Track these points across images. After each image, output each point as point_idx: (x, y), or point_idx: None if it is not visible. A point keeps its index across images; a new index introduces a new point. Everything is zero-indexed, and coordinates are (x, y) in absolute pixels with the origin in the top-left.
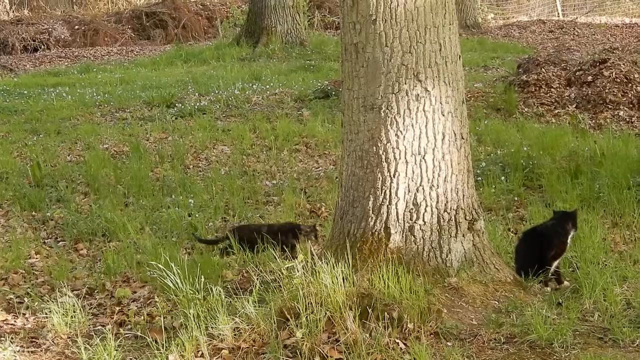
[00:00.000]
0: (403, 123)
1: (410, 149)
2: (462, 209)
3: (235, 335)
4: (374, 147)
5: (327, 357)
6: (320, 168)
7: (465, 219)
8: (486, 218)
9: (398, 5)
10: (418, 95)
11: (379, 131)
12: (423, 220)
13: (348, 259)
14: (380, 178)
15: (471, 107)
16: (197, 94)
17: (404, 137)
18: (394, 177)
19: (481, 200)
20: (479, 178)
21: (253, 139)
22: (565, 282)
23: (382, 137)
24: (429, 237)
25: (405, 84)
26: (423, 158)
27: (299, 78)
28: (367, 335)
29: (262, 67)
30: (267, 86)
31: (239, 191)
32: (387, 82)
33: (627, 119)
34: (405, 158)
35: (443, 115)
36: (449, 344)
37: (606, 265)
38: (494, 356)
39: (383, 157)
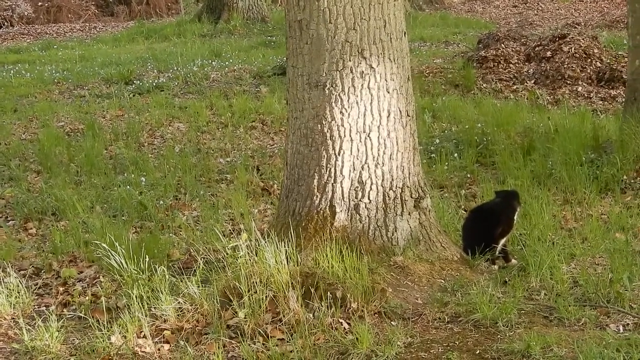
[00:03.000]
0: (348, 100)
1: (355, 126)
2: (407, 186)
3: (178, 315)
4: (319, 125)
5: (270, 337)
6: (275, 145)
7: (411, 197)
8: (438, 195)
9: None
10: (363, 72)
11: (324, 109)
12: (368, 198)
13: (293, 238)
14: (325, 156)
15: (429, 83)
16: (156, 70)
17: (349, 114)
18: (338, 155)
19: (433, 178)
20: (432, 155)
21: (209, 116)
22: (513, 260)
23: (326, 115)
24: (375, 216)
25: (350, 61)
26: (368, 136)
27: (259, 54)
28: (311, 315)
29: (223, 43)
30: (227, 63)
31: (192, 169)
32: (332, 59)
33: (586, 95)
34: (350, 136)
35: (388, 92)
36: (393, 323)
37: (554, 243)
38: (438, 335)
39: (328, 135)
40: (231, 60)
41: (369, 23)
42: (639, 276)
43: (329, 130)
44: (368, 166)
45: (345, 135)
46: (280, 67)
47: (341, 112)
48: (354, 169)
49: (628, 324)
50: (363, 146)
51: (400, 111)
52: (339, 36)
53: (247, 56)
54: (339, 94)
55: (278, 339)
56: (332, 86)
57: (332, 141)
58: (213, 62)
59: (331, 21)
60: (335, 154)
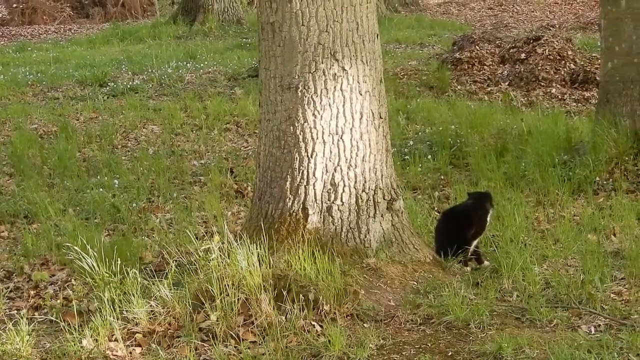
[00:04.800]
0: (320, 103)
1: (327, 128)
2: (380, 188)
3: (150, 318)
4: (291, 127)
5: (242, 339)
6: (250, 147)
7: (384, 198)
8: (411, 197)
9: None
10: (335, 74)
11: (296, 111)
12: (341, 200)
13: (265, 240)
14: (298, 158)
15: (404, 85)
16: (130, 72)
17: (322, 116)
18: (311, 157)
19: (407, 179)
20: (406, 157)
21: (184, 118)
22: (485, 262)
23: (299, 117)
24: (347, 218)
25: (322, 63)
26: (341, 138)
27: (234, 56)
28: (283, 317)
29: (198, 45)
30: (202, 65)
31: (166, 171)
32: (304, 62)
33: (559, 96)
34: (323, 138)
35: (361, 94)
36: (365, 325)
37: (527, 244)
38: (410, 337)
39: (300, 137)
40: (206, 62)
41: (341, 25)
42: (610, 277)
43: (301, 133)
44: (341, 168)
45: (317, 138)
46: (255, 69)
47: (314, 114)
48: (327, 171)
49: (599, 325)
50: (336, 148)
51: (373, 113)
52: (312, 38)
53: (222, 58)
54: (311, 96)
55: (250, 342)
56: (304, 88)
57: (304, 143)
58: (188, 64)
59: (304, 23)
60: (307, 156)
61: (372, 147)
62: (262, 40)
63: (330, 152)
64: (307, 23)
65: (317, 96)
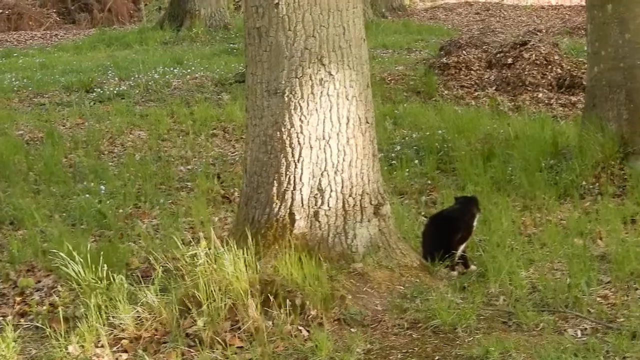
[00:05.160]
0: (307, 108)
1: (314, 133)
2: (367, 193)
3: (136, 324)
4: (278, 132)
5: (229, 345)
6: (237, 153)
7: (371, 203)
8: (398, 202)
9: None
10: (322, 79)
11: (283, 116)
12: (328, 205)
13: (252, 245)
14: (285, 163)
15: (391, 90)
16: (117, 78)
17: (308, 122)
18: (298, 162)
19: (394, 184)
20: (393, 161)
21: (170, 124)
22: (472, 267)
23: (286, 122)
24: (334, 223)
25: (309, 68)
26: (327, 143)
27: (221, 62)
28: (270, 322)
29: (185, 51)
30: (189, 70)
31: (152, 177)
32: (291, 67)
33: (546, 101)
34: (310, 143)
35: (347, 99)
36: (352, 330)
37: (513, 248)
38: (397, 342)
39: (287, 142)
40: (193, 68)
41: (328, 30)
42: (596, 281)
43: (288, 138)
44: (327, 173)
45: (304, 143)
46: (242, 75)
47: (300, 119)
48: (314, 176)
49: (586, 329)
50: (322, 153)
51: (360, 118)
52: (298, 43)
53: (209, 64)
54: (298, 102)
55: (237, 347)
56: (291, 93)
57: (291, 148)
58: (175, 70)
59: (290, 28)
60: (294, 161)
61: (359, 152)
62: (249, 45)
63: (317, 157)
64: (294, 28)
65: (303, 101)
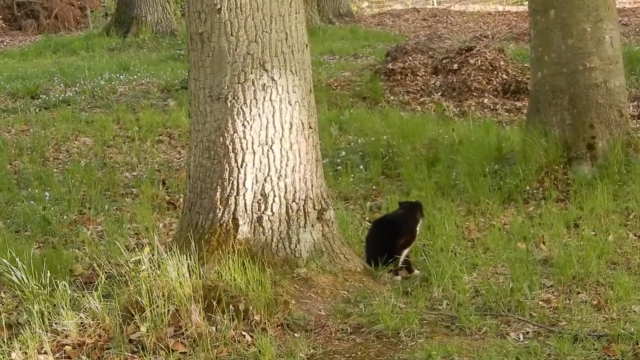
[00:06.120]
0: (250, 113)
1: (257, 139)
2: (310, 198)
3: (80, 330)
4: (221, 138)
5: (172, 350)
6: (182, 159)
7: (314, 208)
8: (343, 207)
9: None
10: (264, 84)
11: (226, 121)
12: (271, 210)
13: (195, 251)
14: (228, 169)
15: (337, 96)
16: (62, 85)
17: (251, 127)
18: (241, 167)
19: (339, 190)
20: (338, 167)
21: (116, 130)
22: (416, 271)
23: (229, 128)
24: (278, 228)
25: (252, 73)
26: (270, 148)
27: (168, 68)
28: (213, 328)
29: (132, 57)
30: (135, 76)
31: (97, 183)
32: (233, 72)
33: (492, 107)
34: (253, 148)
35: (290, 104)
36: (295, 335)
37: (457, 253)
38: (340, 347)
39: (230, 147)
40: (139, 74)
41: (270, 35)
42: (539, 285)
43: (231, 143)
44: (271, 178)
45: (247, 148)
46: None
47: (243, 124)
48: (257, 182)
49: (528, 332)
50: (265, 158)
51: (303, 123)
52: (241, 49)
53: (155, 70)
54: (240, 107)
55: (180, 353)
56: (234, 99)
57: (234, 154)
58: (121, 76)
59: (233, 34)
60: (237, 166)
61: (302, 157)
62: (191, 50)
63: (260, 162)
64: (236, 33)
65: (246, 106)
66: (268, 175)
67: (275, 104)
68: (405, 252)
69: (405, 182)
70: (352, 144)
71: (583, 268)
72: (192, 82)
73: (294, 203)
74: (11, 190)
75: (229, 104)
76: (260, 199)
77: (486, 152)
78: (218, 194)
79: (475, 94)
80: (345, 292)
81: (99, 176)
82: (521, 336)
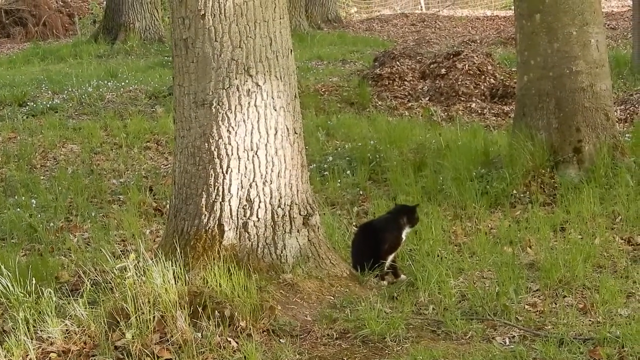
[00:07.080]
0: (235, 119)
1: (242, 144)
2: (296, 204)
3: (65, 338)
4: (206, 144)
5: (158, 357)
6: (170, 165)
7: (300, 214)
8: (329, 212)
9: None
10: (249, 90)
11: (211, 127)
12: (257, 216)
13: (181, 257)
14: (213, 175)
15: (325, 101)
16: (50, 92)
17: (236, 133)
18: (226, 173)
19: (326, 195)
20: (325, 172)
21: (103, 137)
22: (402, 276)
23: (213, 134)
24: (263, 234)
25: (236, 79)
26: (256, 154)
27: (155, 74)
28: (199, 334)
29: (120, 64)
30: (123, 83)
31: (84, 190)
32: (218, 78)
33: (479, 111)
34: (238, 154)
35: (275, 110)
36: (281, 340)
37: (443, 257)
38: (326, 352)
39: (215, 153)
40: (127, 81)
41: (254, 41)
42: (525, 289)
43: (216, 149)
44: (256, 184)
45: (232, 154)
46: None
47: (228, 130)
48: (242, 187)
49: (514, 336)
50: (251, 164)
51: (288, 129)
52: (225, 54)
53: (143, 76)
54: (225, 112)
55: (166, 359)
56: (218, 104)
57: (219, 159)
58: (109, 83)
59: (217, 39)
60: (222, 172)
61: (288, 162)
62: (176, 57)
63: (246, 168)
64: (220, 39)
65: (231, 112)
66: (253, 181)
67: (260, 109)
68: (391, 257)
69: (392, 187)
70: (339, 149)
71: (569, 272)
72: (176, 88)
73: (279, 208)
74: None
75: (214, 110)
76: (245, 205)
77: (473, 157)
78: (203, 200)
79: (462, 98)
80: (332, 298)
81: (86, 183)
82: (507, 340)
